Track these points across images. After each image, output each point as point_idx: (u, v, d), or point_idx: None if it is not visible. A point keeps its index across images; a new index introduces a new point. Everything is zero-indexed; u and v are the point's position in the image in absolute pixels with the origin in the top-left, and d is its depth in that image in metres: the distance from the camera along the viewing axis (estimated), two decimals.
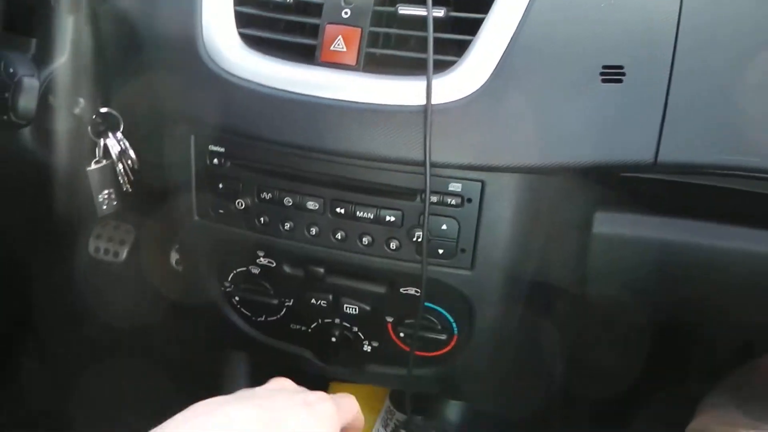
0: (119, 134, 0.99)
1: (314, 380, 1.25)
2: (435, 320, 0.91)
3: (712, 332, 1.24)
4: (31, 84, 0.89)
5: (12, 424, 1.58)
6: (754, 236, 0.87)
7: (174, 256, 1.32)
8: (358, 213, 0.86)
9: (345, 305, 0.94)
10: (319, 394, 0.71)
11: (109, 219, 1.43)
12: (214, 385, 1.21)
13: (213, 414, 0.63)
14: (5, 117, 0.88)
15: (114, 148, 0.99)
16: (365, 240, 0.87)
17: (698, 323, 1.20)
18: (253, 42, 0.86)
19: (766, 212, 0.86)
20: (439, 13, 0.79)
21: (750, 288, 0.91)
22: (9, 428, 1.57)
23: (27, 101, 0.89)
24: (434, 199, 0.83)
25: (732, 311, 1.00)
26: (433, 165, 0.80)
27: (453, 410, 1.14)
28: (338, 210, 0.86)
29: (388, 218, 0.85)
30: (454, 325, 0.91)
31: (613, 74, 0.79)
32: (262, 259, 0.94)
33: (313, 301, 0.94)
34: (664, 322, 1.25)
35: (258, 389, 0.71)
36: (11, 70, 0.87)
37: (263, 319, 1.00)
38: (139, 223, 1.41)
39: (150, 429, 0.61)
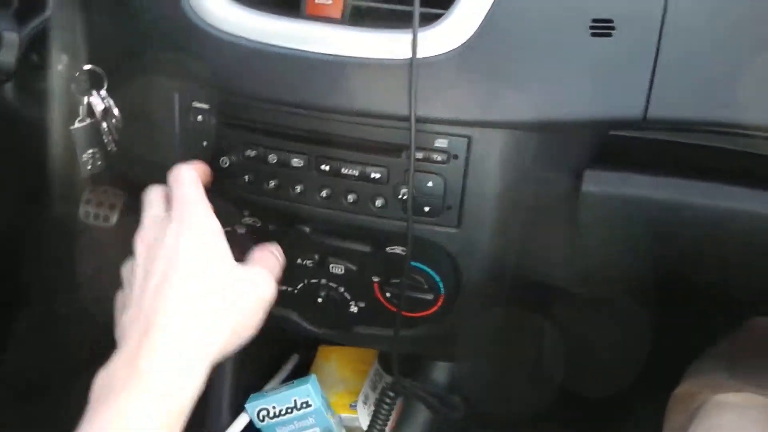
0: (103, 92, 0.97)
1: (302, 342, 1.26)
2: (422, 279, 0.90)
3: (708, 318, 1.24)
4: (11, 39, 0.88)
5: (7, 398, 1.59)
6: (743, 195, 0.86)
7: None
8: (343, 170, 0.85)
9: (331, 265, 0.93)
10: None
11: (99, 183, 1.43)
12: None
13: None
14: None
15: (98, 106, 0.97)
16: (350, 197, 0.86)
17: (689, 291, 1.20)
18: None
19: (754, 171, 0.85)
20: None
21: (740, 247, 0.91)
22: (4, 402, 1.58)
23: (7, 56, 0.88)
24: (420, 155, 0.82)
25: (722, 272, 0.99)
26: (419, 120, 0.79)
27: (441, 372, 1.14)
28: (323, 167, 0.85)
29: (373, 175, 0.84)
30: (440, 284, 0.91)
31: (602, 28, 0.77)
32: (247, 218, 0.93)
33: (299, 260, 0.94)
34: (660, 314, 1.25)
35: None
36: None
37: None
38: (128, 186, 1.40)
39: None
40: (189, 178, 0.81)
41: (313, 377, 1.11)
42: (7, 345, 1.65)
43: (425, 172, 0.83)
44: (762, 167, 0.85)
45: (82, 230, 1.42)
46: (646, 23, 0.78)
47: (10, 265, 1.59)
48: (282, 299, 0.97)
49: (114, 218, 1.41)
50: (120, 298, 0.80)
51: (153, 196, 0.83)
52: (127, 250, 0.81)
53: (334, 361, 1.22)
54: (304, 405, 1.09)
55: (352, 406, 1.16)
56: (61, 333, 1.62)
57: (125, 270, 0.80)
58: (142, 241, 0.79)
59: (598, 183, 0.88)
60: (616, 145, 0.86)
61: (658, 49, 0.78)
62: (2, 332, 1.64)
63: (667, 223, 0.89)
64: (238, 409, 1.14)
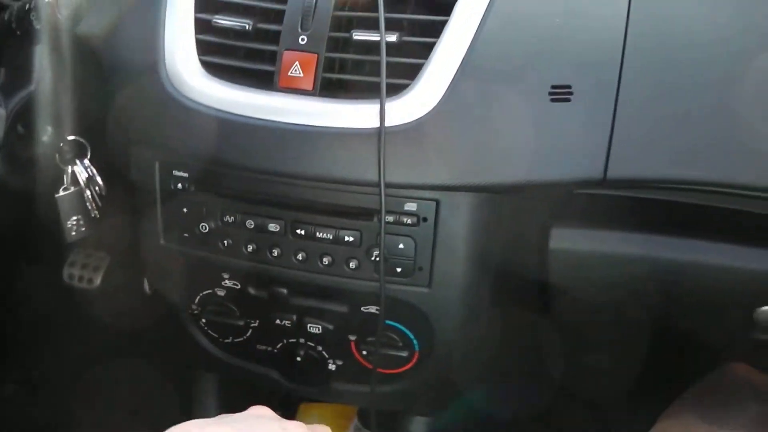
0: (86, 161, 1.00)
1: (284, 401, 1.28)
2: (396, 337, 0.93)
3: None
4: None
5: None
6: (705, 248, 0.89)
7: (147, 283, 1.33)
8: (317, 234, 0.88)
9: (309, 325, 0.95)
10: (296, 423, 0.72)
11: (83, 245, 1.44)
12: (186, 405, 1.22)
13: None
14: None
15: (81, 175, 1.00)
16: (325, 260, 0.89)
17: (662, 332, 1.22)
18: (214, 69, 0.88)
19: (714, 225, 0.88)
20: (392, 37, 0.82)
21: (705, 297, 0.93)
22: None
23: None
24: (390, 218, 0.85)
25: (689, 321, 1.02)
26: (388, 185, 0.82)
27: (419, 425, 1.15)
28: (298, 231, 0.88)
29: (346, 238, 0.87)
30: (414, 341, 0.93)
31: (561, 93, 0.81)
32: (227, 281, 0.96)
33: (278, 321, 0.96)
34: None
35: (237, 415, 0.72)
36: None
37: (230, 340, 1.01)
38: (112, 249, 1.42)
39: None
40: None
41: None
42: None
43: (396, 234, 0.86)
44: (722, 220, 0.88)
45: (65, 292, 1.43)
46: (602, 88, 0.82)
47: None
48: (262, 358, 1.00)
49: (98, 280, 1.43)
50: None
51: None
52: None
53: (316, 417, 1.24)
54: None
55: None
56: (44, 384, 1.63)
57: None
58: None
59: (565, 240, 0.91)
60: (580, 202, 0.88)
61: (615, 112, 0.82)
62: None
63: (633, 277, 0.92)
64: None
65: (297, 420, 1.18)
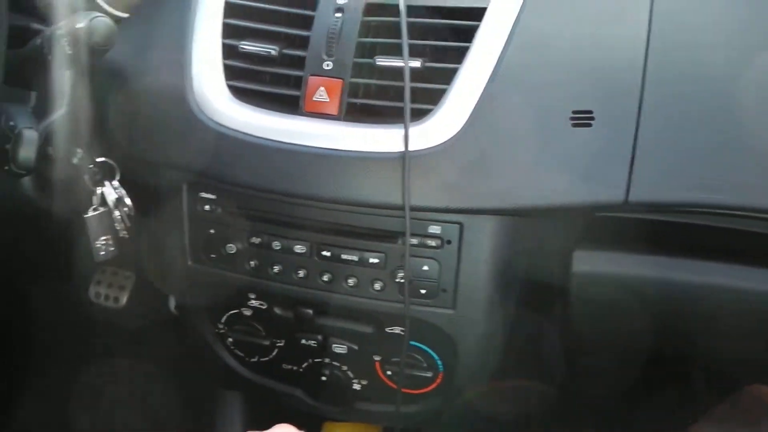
0: (116, 182, 1.02)
1: (308, 419, 1.28)
2: (420, 358, 0.94)
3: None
4: (30, 136, 0.92)
5: None
6: (728, 271, 0.89)
7: (173, 302, 1.35)
8: (343, 256, 0.89)
9: (334, 345, 0.96)
10: None
11: (110, 265, 1.46)
12: (210, 423, 1.23)
13: None
14: (6, 167, 0.91)
15: (110, 196, 1.02)
16: (351, 281, 0.90)
17: (684, 356, 1.22)
18: (240, 93, 0.89)
19: (736, 247, 0.88)
20: (416, 63, 0.83)
21: (726, 320, 0.93)
22: None
23: (27, 152, 0.91)
24: (415, 241, 0.86)
25: (713, 345, 1.02)
26: (413, 209, 0.83)
27: None
28: (324, 253, 0.90)
29: (371, 260, 0.88)
30: (439, 362, 0.94)
31: (582, 118, 0.82)
32: (253, 301, 0.97)
33: (303, 341, 0.97)
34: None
35: None
36: (12, 123, 0.90)
37: (256, 359, 1.03)
38: (138, 268, 1.44)
39: None
40: None
41: None
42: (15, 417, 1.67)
43: (421, 257, 0.87)
44: (744, 243, 0.88)
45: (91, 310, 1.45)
46: (624, 113, 0.83)
47: (21, 344, 1.62)
48: (287, 377, 1.01)
49: (123, 299, 1.45)
50: None
51: None
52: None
53: None
54: None
55: None
56: (68, 405, 1.65)
57: None
58: None
59: (588, 263, 0.91)
60: (603, 225, 0.89)
61: (636, 136, 0.83)
62: (11, 404, 1.65)
63: (655, 300, 0.92)
64: None
65: None
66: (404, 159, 0.82)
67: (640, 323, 0.98)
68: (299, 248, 0.90)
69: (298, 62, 0.88)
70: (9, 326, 1.54)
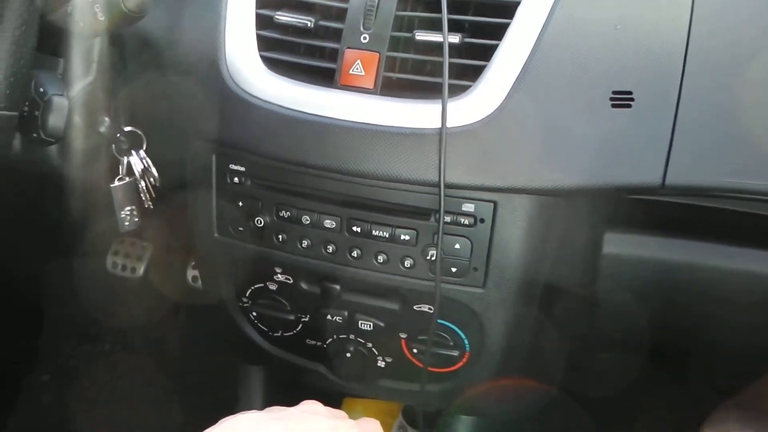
0: (142, 152, 1.01)
1: (328, 395, 1.29)
2: (447, 337, 0.93)
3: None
4: (60, 103, 0.91)
5: None
6: (761, 257, 0.89)
7: (190, 273, 1.34)
8: (373, 232, 0.88)
9: (360, 321, 0.96)
10: (349, 422, 0.72)
11: (129, 235, 1.46)
12: (231, 397, 1.23)
13: (244, 430, 0.65)
14: (35, 134, 0.90)
15: (137, 166, 1.01)
16: (380, 258, 0.89)
17: (710, 343, 1.21)
18: (274, 65, 0.88)
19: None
20: (455, 39, 0.82)
21: (760, 310, 0.93)
22: None
23: (56, 120, 0.91)
24: (448, 219, 0.85)
25: (741, 332, 1.01)
26: (447, 186, 0.82)
27: (464, 425, 1.16)
28: (354, 228, 0.89)
29: (403, 237, 0.88)
30: (465, 341, 0.94)
31: (622, 99, 0.82)
32: (279, 275, 0.97)
33: (329, 317, 0.97)
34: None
35: (290, 409, 0.73)
36: (41, 90, 0.89)
37: (279, 334, 1.02)
38: (156, 239, 1.43)
39: None
40: None
41: None
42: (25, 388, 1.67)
43: (453, 234, 0.86)
44: None
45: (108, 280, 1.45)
46: (664, 94, 0.82)
47: (36, 312, 1.62)
48: (311, 353, 1.01)
49: (141, 270, 1.45)
50: None
51: None
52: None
53: (359, 412, 1.25)
54: None
55: None
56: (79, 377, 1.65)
57: None
58: None
59: (618, 245, 0.91)
60: (634, 207, 0.88)
61: (675, 119, 0.82)
62: (22, 376, 1.66)
63: (687, 285, 0.92)
64: None
65: None
66: (441, 135, 0.81)
67: (669, 307, 0.97)
68: (329, 223, 0.90)
69: (334, 34, 0.87)
70: (23, 295, 1.55)
